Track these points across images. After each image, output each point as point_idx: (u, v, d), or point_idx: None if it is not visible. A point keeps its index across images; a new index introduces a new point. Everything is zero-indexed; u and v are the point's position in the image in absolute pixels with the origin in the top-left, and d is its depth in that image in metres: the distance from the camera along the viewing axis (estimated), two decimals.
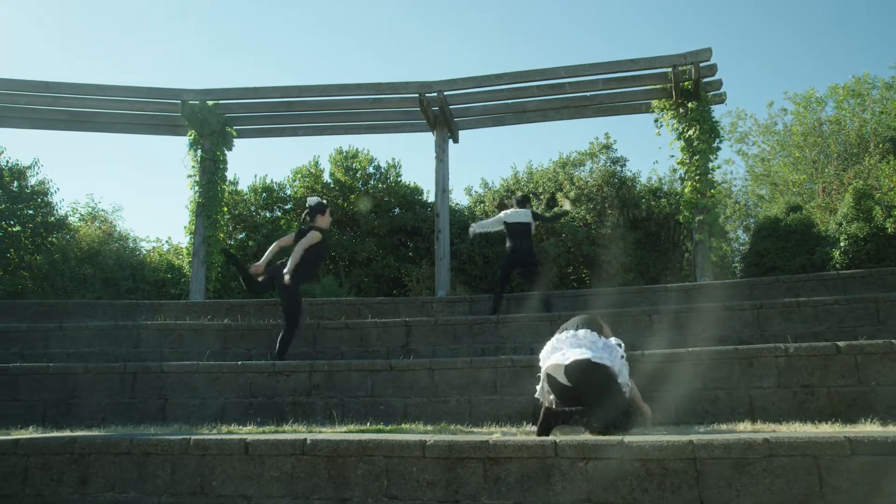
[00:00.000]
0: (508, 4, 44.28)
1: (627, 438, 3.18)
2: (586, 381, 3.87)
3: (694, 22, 42.92)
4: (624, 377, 3.99)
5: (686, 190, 10.27)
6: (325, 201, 6.78)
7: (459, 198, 14.57)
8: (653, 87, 10.81)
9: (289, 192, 12.97)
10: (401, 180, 12.70)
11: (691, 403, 4.60)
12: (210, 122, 11.16)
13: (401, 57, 48.59)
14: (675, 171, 12.98)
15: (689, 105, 10.37)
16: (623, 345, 4.12)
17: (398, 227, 12.15)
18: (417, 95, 10.67)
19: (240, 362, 5.43)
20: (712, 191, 10.40)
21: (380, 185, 12.46)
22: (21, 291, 10.44)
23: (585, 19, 44.75)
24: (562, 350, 4.04)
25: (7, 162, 10.94)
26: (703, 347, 4.84)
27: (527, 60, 47.74)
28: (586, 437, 3.31)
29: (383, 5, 43.84)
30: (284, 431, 4.04)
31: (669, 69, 10.24)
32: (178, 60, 46.17)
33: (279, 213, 12.98)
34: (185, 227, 11.50)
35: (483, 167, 43.83)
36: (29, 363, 5.84)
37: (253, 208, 12.85)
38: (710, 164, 10.39)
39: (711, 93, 10.56)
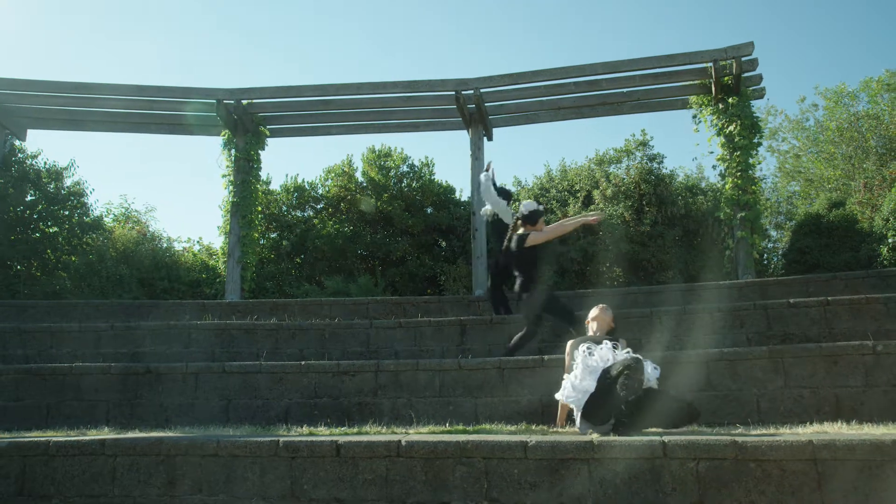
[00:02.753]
0: (528, 3, 44.15)
1: (741, 438, 3.09)
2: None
3: (720, 16, 42.61)
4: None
5: (727, 186, 10.13)
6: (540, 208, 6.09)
7: None
8: (690, 82, 10.68)
9: (320, 191, 12.92)
10: (434, 179, 12.62)
11: (773, 402, 4.50)
12: (244, 121, 11.14)
13: (425, 55, 48.53)
14: (707, 167, 12.75)
15: (730, 100, 10.21)
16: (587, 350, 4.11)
17: (432, 226, 12.08)
18: (454, 93, 10.58)
19: (303, 362, 5.36)
20: (753, 187, 10.27)
21: (413, 184, 12.38)
22: (59, 292, 10.44)
23: (594, 17, 44.54)
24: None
25: (45, 163, 10.95)
26: (783, 345, 4.72)
27: (546, 59, 47.52)
28: (697, 436, 3.22)
29: (405, 4, 43.83)
30: (368, 433, 3.97)
31: (710, 64, 10.11)
32: (206, 59, 46.33)
33: (311, 213, 12.94)
34: (218, 228, 11.48)
35: (516, 165, 43.54)
36: (83, 363, 5.79)
37: (284, 208, 12.81)
38: (751, 160, 10.26)
39: (751, 88, 10.42)
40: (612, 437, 3.33)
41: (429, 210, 12.48)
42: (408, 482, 3.34)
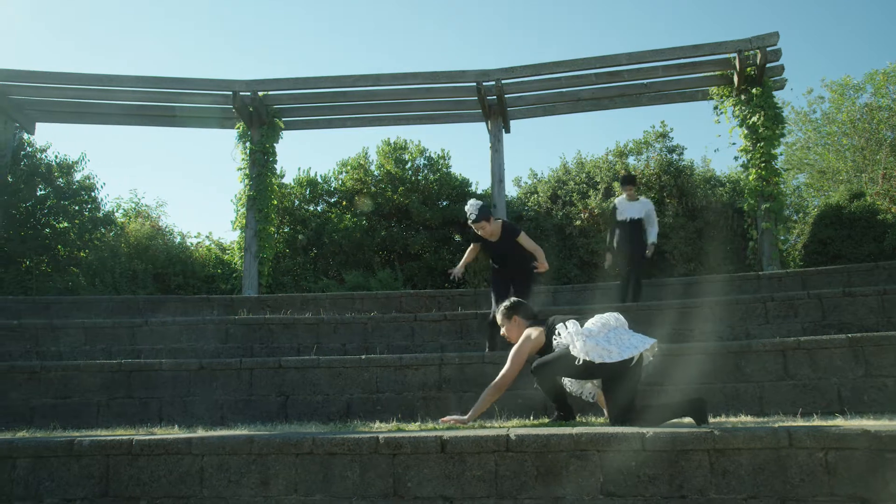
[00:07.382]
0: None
1: (873, 428, 3.00)
2: None
3: (720, 9, 42.78)
4: None
5: (751, 177, 10.11)
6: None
7: (508, 188, 14.34)
8: (712, 73, 10.64)
9: (334, 184, 12.72)
10: (451, 171, 12.49)
11: (855, 392, 4.43)
12: (260, 113, 10.93)
13: (432, 46, 48.19)
14: (714, 160, 12.61)
15: (753, 91, 10.18)
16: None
17: (450, 219, 11.93)
18: (475, 84, 10.45)
19: (363, 356, 5.21)
20: (777, 178, 10.26)
21: (431, 177, 12.23)
22: (71, 288, 10.17)
23: (587, 17, 44.55)
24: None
25: (55, 156, 10.66)
26: (863, 334, 4.66)
27: (551, 53, 47.29)
28: (823, 425, 3.13)
29: None
30: (460, 428, 3.84)
31: (734, 55, 10.07)
32: (221, 50, 45.55)
33: (324, 207, 12.74)
34: (232, 222, 11.26)
35: (530, 157, 43.44)
36: (131, 360, 5.60)
37: (297, 202, 12.60)
38: (774, 151, 10.25)
39: (773, 78, 10.39)
40: (733, 427, 3.23)
41: (444, 203, 12.33)
42: (518, 477, 3.22)
